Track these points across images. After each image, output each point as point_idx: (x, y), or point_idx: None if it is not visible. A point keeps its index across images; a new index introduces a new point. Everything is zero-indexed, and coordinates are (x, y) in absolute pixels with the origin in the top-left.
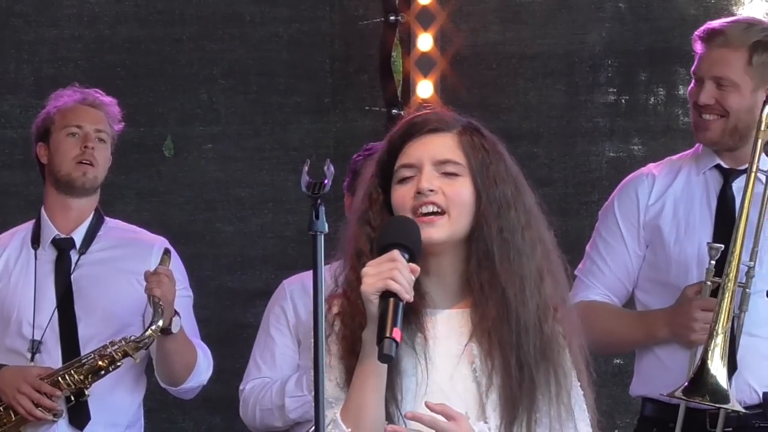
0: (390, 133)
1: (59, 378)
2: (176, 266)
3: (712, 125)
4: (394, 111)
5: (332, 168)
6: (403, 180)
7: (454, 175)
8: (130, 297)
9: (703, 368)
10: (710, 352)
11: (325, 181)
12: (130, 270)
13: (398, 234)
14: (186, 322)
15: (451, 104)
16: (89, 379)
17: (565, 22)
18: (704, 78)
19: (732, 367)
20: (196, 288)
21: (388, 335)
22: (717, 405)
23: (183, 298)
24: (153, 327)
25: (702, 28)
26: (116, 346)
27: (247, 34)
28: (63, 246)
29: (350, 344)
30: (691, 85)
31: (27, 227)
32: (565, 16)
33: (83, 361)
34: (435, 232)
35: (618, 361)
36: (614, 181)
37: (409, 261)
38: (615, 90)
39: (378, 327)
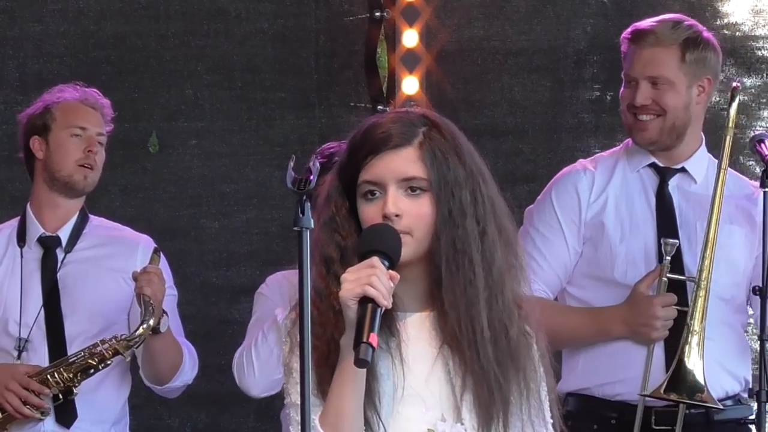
0: (351, 139)
1: (48, 376)
2: (162, 265)
3: (650, 125)
4: (379, 107)
5: (318, 164)
6: (368, 195)
7: (419, 190)
8: (116, 295)
9: (680, 366)
10: (687, 349)
11: (311, 177)
12: (115, 268)
13: (378, 241)
14: (171, 320)
15: (437, 100)
16: (78, 378)
17: (549, 18)
18: (638, 79)
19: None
20: (181, 284)
21: (364, 340)
22: (699, 403)
23: (169, 296)
24: (144, 326)
25: (629, 29)
26: (106, 345)
27: (231, 30)
28: (49, 244)
29: (322, 354)
30: (622, 87)
31: (12, 224)
32: (549, 12)
33: (72, 359)
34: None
35: None
36: None
37: (388, 269)
38: (600, 86)
39: (355, 332)
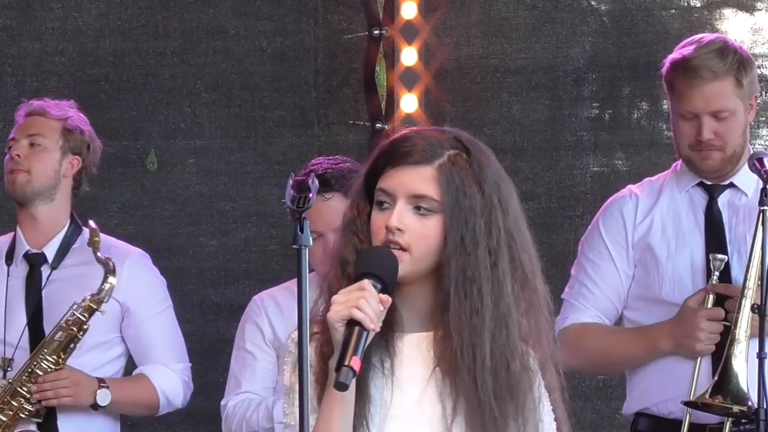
0: (380, 146)
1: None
2: (149, 278)
3: (713, 155)
4: (378, 125)
5: (317, 182)
6: (380, 204)
7: (427, 211)
8: (98, 319)
9: (726, 373)
10: (733, 358)
11: (310, 195)
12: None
13: (373, 264)
14: (162, 341)
15: (435, 118)
16: (62, 357)
17: (548, 36)
18: (700, 114)
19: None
20: (179, 302)
21: (346, 363)
22: (737, 408)
23: (158, 315)
24: (107, 280)
25: (674, 61)
26: (79, 309)
27: (230, 48)
28: (34, 261)
29: (324, 369)
30: (677, 121)
31: (4, 241)
32: (548, 30)
33: (48, 340)
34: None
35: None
36: (598, 196)
37: (382, 292)
38: (598, 104)
39: (339, 355)
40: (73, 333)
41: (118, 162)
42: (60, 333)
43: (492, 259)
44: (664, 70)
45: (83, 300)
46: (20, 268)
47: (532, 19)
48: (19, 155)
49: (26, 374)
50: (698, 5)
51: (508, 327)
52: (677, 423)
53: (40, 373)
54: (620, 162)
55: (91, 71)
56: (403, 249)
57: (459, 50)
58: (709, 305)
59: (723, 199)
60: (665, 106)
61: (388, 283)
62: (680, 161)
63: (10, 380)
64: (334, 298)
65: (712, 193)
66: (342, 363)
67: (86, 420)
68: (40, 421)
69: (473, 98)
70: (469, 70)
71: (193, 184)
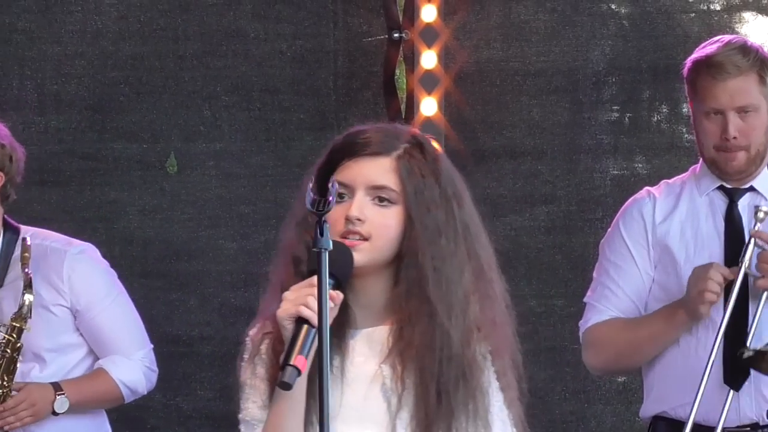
0: (333, 141)
1: None
2: (90, 274)
3: (738, 156)
4: None
5: (336, 185)
6: (337, 196)
7: (387, 201)
8: (54, 326)
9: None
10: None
11: (330, 198)
12: (45, 299)
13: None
14: (117, 333)
15: (455, 121)
16: (7, 380)
17: (568, 39)
18: (725, 110)
19: (744, 373)
20: (199, 305)
21: (290, 363)
22: None
23: (108, 308)
24: (25, 296)
25: (695, 60)
26: (7, 330)
27: (250, 51)
28: None
29: (275, 367)
30: (701, 121)
31: None
32: (568, 33)
33: None
34: (357, 256)
35: (622, 378)
36: (618, 199)
37: (334, 288)
38: (618, 107)
39: (284, 353)
40: (8, 354)
41: (138, 165)
42: None
43: (451, 248)
44: (685, 70)
45: (7, 322)
46: None
47: (552, 22)
48: None
49: None
50: (718, 8)
51: (464, 313)
52: (695, 427)
53: None
54: (640, 165)
55: (110, 74)
56: (364, 239)
57: (479, 53)
58: (748, 253)
59: (743, 203)
60: (685, 110)
61: (341, 279)
62: (698, 165)
63: None
64: (285, 294)
65: (732, 196)
66: (287, 362)
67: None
68: None
69: (493, 101)
70: (488, 74)
71: (212, 187)
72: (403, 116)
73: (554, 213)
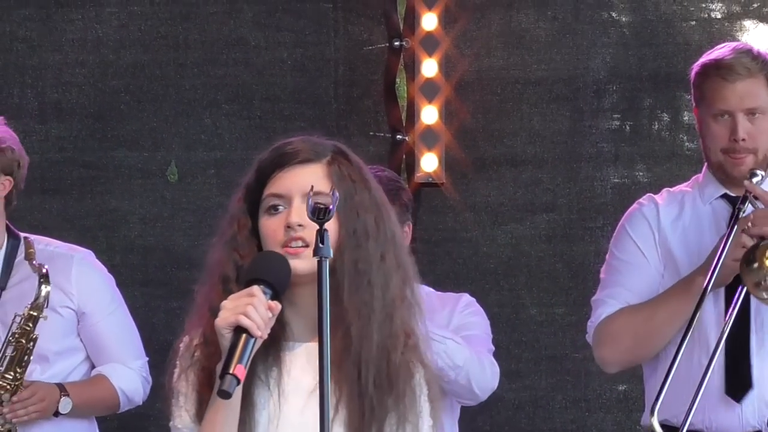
0: (259, 158)
1: None
2: (98, 279)
3: (746, 160)
4: (398, 137)
5: (337, 194)
6: (271, 209)
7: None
8: (60, 328)
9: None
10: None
11: (330, 207)
12: (53, 300)
13: (263, 270)
14: (118, 340)
15: (456, 130)
16: (19, 372)
17: (568, 47)
18: (734, 112)
19: (746, 385)
20: None
21: (230, 371)
22: None
23: (111, 314)
24: (42, 287)
25: (704, 64)
26: (21, 321)
27: (251, 59)
28: None
29: (207, 376)
30: (709, 124)
31: None
32: (569, 41)
33: (4, 356)
34: (300, 263)
35: (623, 387)
36: (618, 207)
37: (272, 299)
38: (619, 115)
39: (224, 362)
40: (23, 345)
41: (139, 173)
42: (10, 348)
43: (380, 252)
44: (693, 74)
45: (23, 311)
46: None
47: (553, 30)
48: None
49: None
50: (719, 17)
51: (392, 319)
52: None
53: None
54: (641, 173)
55: (111, 82)
56: (305, 245)
57: (479, 62)
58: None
59: (748, 210)
60: (686, 118)
61: (279, 290)
62: (701, 173)
63: None
64: (223, 303)
65: (736, 205)
66: (226, 371)
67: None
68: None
69: (494, 110)
70: (489, 82)
71: (213, 195)
72: (404, 124)
73: (555, 221)
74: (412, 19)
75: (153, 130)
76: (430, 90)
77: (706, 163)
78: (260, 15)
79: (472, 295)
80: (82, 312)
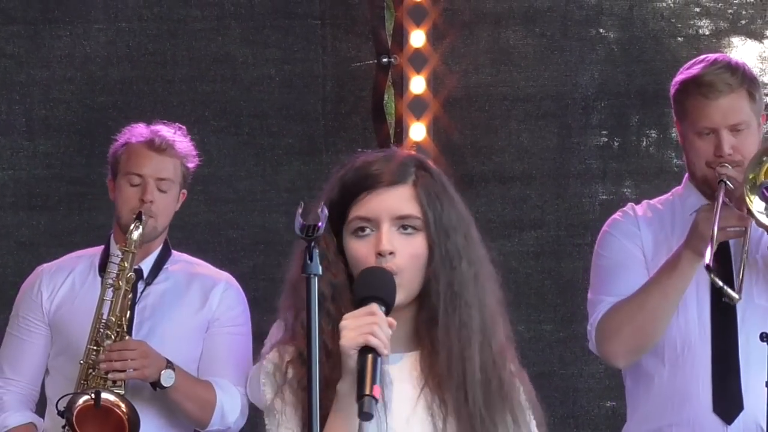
0: (343, 175)
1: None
2: (239, 299)
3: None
4: None
5: (326, 211)
6: (359, 232)
7: (413, 230)
8: (188, 333)
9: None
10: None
11: (319, 224)
12: (190, 305)
13: (376, 287)
14: (233, 359)
15: (444, 146)
16: (123, 318)
17: (557, 64)
18: (719, 128)
19: (737, 406)
20: None
21: (367, 392)
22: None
23: (236, 334)
24: (135, 228)
25: (683, 80)
26: (118, 258)
27: (238, 76)
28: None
29: (305, 393)
30: (692, 140)
31: (93, 252)
32: (557, 58)
33: (99, 304)
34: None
35: (611, 403)
36: None
37: (385, 314)
38: (607, 132)
39: (357, 384)
40: (121, 287)
41: None
42: (109, 291)
43: (473, 270)
44: (673, 91)
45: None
46: None
47: (541, 47)
48: (152, 201)
49: (93, 346)
50: (707, 33)
51: (495, 336)
52: None
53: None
54: (629, 190)
55: (99, 99)
56: (395, 273)
57: (467, 78)
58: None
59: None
60: (674, 135)
61: (390, 306)
62: (681, 186)
63: (80, 361)
64: (343, 324)
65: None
66: (363, 392)
67: None
68: (122, 392)
69: (482, 126)
70: (477, 98)
71: (201, 211)
72: (392, 141)
73: (543, 238)
74: (401, 36)
75: None
76: (418, 107)
77: (686, 175)
78: (248, 31)
79: None
80: (216, 318)
